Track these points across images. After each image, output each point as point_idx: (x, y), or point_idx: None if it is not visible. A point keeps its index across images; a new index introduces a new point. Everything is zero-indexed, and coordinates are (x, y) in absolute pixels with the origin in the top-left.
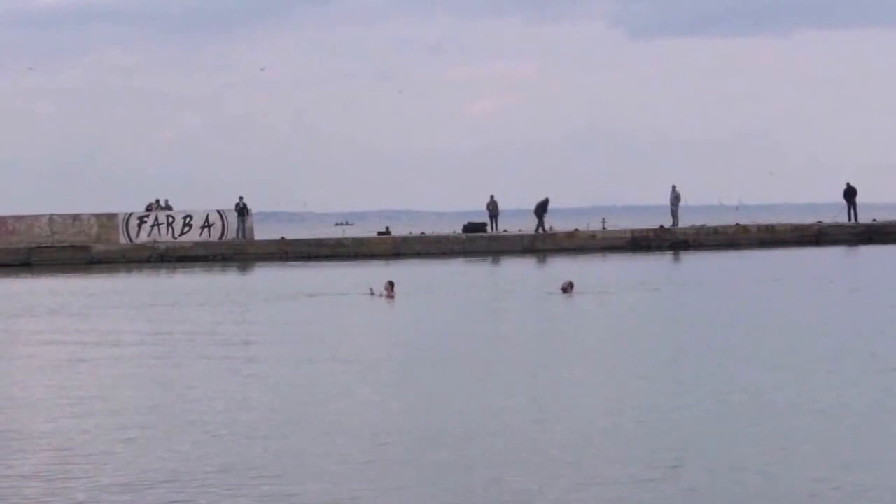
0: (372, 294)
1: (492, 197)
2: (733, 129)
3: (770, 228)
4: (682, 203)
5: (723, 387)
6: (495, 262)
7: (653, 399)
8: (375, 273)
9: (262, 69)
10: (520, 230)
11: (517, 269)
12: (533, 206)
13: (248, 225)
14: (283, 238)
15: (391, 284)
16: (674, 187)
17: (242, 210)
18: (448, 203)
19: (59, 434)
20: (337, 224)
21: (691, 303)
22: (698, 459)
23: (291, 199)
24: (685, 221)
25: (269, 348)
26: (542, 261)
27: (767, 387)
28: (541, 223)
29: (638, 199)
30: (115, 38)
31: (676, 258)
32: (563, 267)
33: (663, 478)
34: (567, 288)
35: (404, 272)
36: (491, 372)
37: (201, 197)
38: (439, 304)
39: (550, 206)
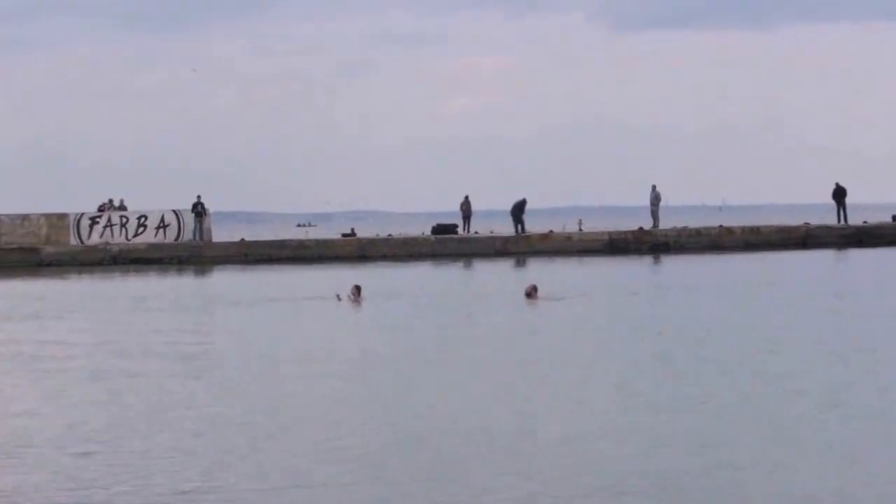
0: (339, 300)
1: (466, 197)
2: (716, 127)
3: (755, 230)
4: (662, 203)
5: (694, 396)
6: (466, 265)
7: (622, 413)
8: (340, 276)
9: (193, 70)
10: (492, 232)
11: (487, 272)
12: (509, 207)
13: (205, 226)
14: (242, 240)
15: (357, 289)
16: (654, 187)
17: (200, 210)
18: (418, 203)
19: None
20: (299, 225)
21: (668, 308)
22: (675, 472)
23: (319, 201)
24: (666, 223)
25: (227, 358)
26: (514, 264)
27: (741, 395)
28: (519, 224)
29: (617, 199)
30: (76, 31)
31: (656, 261)
32: (535, 270)
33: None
34: (531, 293)
35: (370, 276)
36: (455, 381)
37: (161, 195)
38: (407, 310)
39: (527, 206)
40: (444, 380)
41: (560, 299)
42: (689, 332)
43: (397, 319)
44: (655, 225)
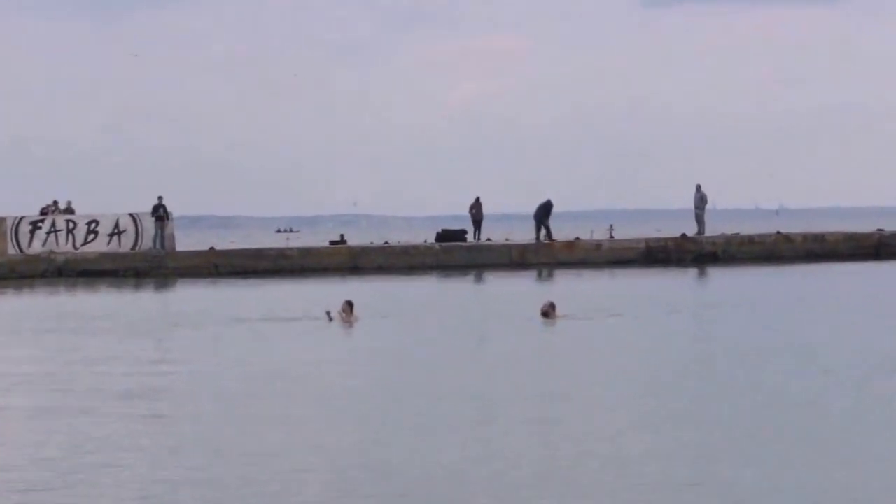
0: (330, 319)
1: (476, 199)
2: (773, 117)
3: (819, 238)
4: (709, 206)
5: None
6: (476, 278)
7: (653, 455)
8: (328, 292)
9: (135, 56)
10: (507, 239)
11: (501, 287)
12: (526, 210)
13: (167, 232)
14: (211, 248)
15: (349, 305)
16: (698, 187)
17: (161, 214)
18: (420, 206)
19: None
20: (279, 231)
21: (715, 331)
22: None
23: (303, 202)
24: (713, 229)
25: (194, 394)
26: (534, 277)
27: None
28: (544, 230)
29: (654, 201)
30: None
31: (702, 274)
32: (558, 285)
33: None
34: (548, 311)
35: (363, 291)
36: (462, 418)
37: (116, 197)
38: (405, 332)
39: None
40: (446, 421)
41: (584, 319)
42: (740, 360)
43: (394, 344)
44: (701, 231)
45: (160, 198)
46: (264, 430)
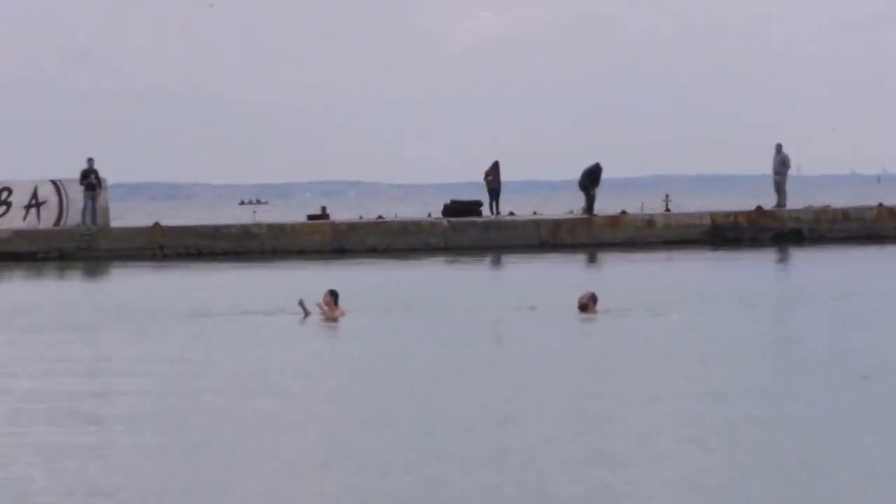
0: (305, 313)
1: (494, 163)
2: (872, 65)
3: None
4: (791, 171)
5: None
6: (494, 262)
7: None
8: (305, 279)
9: (210, 5)
10: (535, 213)
11: (526, 273)
12: (560, 176)
13: (100, 204)
14: (156, 225)
15: (333, 296)
16: (779, 147)
17: (93, 181)
18: (423, 171)
19: None
20: (243, 203)
21: (801, 329)
22: None
23: (275, 167)
24: (797, 200)
25: (135, 407)
26: (566, 261)
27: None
28: (590, 201)
29: (723, 165)
30: None
31: (783, 257)
32: (603, 271)
33: None
34: (587, 304)
35: (351, 278)
36: (480, 442)
37: (34, 161)
38: (402, 331)
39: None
40: (449, 460)
41: (630, 315)
42: (836, 367)
43: (387, 347)
44: (781, 203)
45: (91, 160)
46: (212, 470)
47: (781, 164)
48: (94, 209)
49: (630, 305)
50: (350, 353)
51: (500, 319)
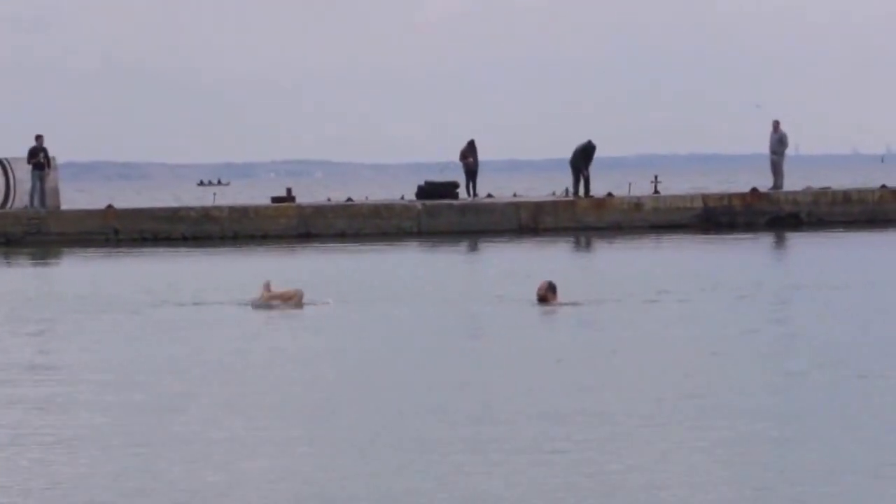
0: (254, 304)
1: (470, 142)
2: (876, 34)
3: None
4: (789, 150)
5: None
6: (471, 248)
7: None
8: (269, 267)
9: None
10: (515, 195)
11: (501, 260)
12: (535, 156)
13: (49, 185)
14: (109, 207)
15: (264, 287)
16: (776, 125)
17: (41, 159)
18: (395, 150)
19: None
20: (202, 184)
21: (798, 322)
22: None
23: (288, 142)
24: (794, 181)
25: (83, 402)
26: (548, 246)
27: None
28: (582, 181)
29: (712, 144)
30: None
31: (779, 242)
32: (578, 258)
33: None
34: (546, 295)
35: (316, 265)
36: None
37: None
38: (364, 324)
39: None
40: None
41: (600, 306)
42: (835, 367)
43: (343, 339)
44: (778, 185)
45: (39, 138)
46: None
47: (779, 142)
48: (42, 190)
49: (604, 295)
50: (295, 349)
51: (464, 312)
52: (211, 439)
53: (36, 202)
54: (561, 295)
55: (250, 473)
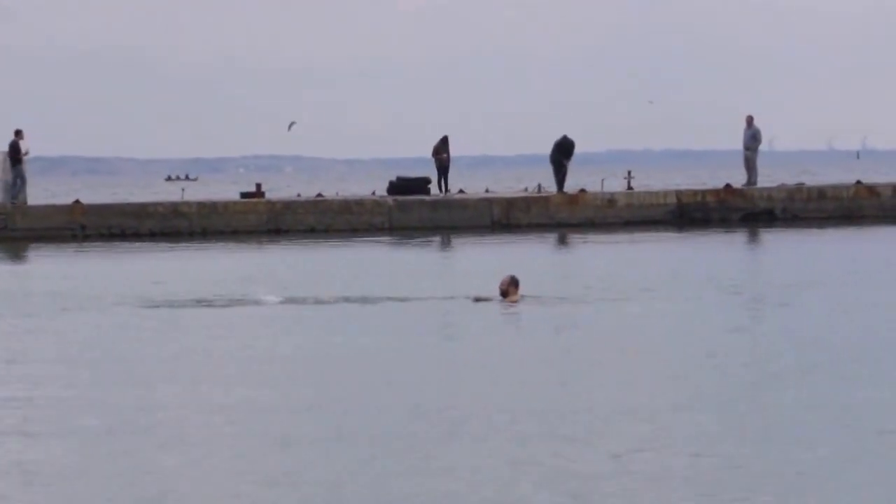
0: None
1: (443, 139)
2: (854, 34)
3: None
4: (763, 147)
5: None
6: (443, 244)
7: None
8: (238, 262)
9: None
10: (487, 191)
11: (469, 257)
12: (508, 152)
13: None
14: (76, 202)
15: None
16: (749, 120)
17: (17, 152)
18: (366, 145)
19: None
20: (170, 179)
21: (768, 322)
22: None
23: (258, 136)
24: (770, 177)
25: (46, 406)
26: (520, 242)
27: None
28: (559, 177)
29: (687, 140)
30: None
31: (753, 239)
32: (548, 254)
33: None
34: (507, 290)
35: (285, 262)
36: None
37: None
38: (329, 320)
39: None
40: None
41: (556, 302)
42: (808, 369)
43: (306, 337)
44: (752, 181)
45: (19, 132)
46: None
47: (752, 138)
48: (18, 185)
49: (566, 291)
50: (274, 346)
51: (432, 310)
52: (183, 440)
53: (10, 197)
54: (523, 289)
55: (221, 474)
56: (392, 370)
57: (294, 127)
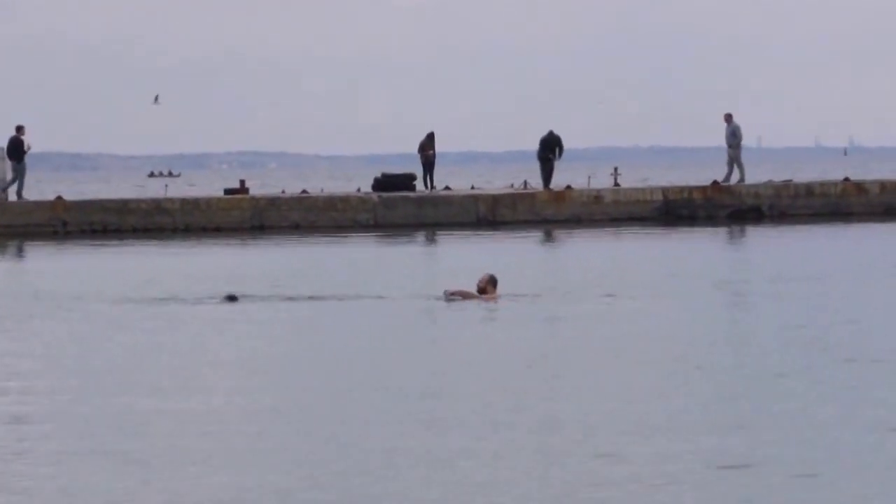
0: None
1: (429, 135)
2: (841, 30)
3: None
4: (752, 143)
5: None
6: (428, 240)
7: None
8: (221, 260)
9: None
10: (473, 188)
11: (455, 254)
12: (496, 148)
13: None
14: (59, 198)
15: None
16: (729, 118)
17: (20, 148)
18: (352, 142)
19: None
20: (152, 175)
21: (757, 318)
22: None
23: (242, 132)
24: (756, 174)
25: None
26: (505, 239)
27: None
28: (546, 173)
29: (674, 137)
30: None
31: (740, 236)
32: (533, 252)
33: None
34: (486, 288)
35: (269, 258)
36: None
37: None
38: (312, 318)
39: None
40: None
41: (535, 299)
42: (793, 369)
43: (285, 335)
44: (734, 177)
45: (20, 129)
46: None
47: (732, 135)
48: (20, 182)
49: (541, 290)
50: (252, 347)
51: (415, 308)
52: (159, 446)
53: (23, 194)
54: (501, 288)
55: (195, 481)
56: (339, 372)
57: (159, 98)
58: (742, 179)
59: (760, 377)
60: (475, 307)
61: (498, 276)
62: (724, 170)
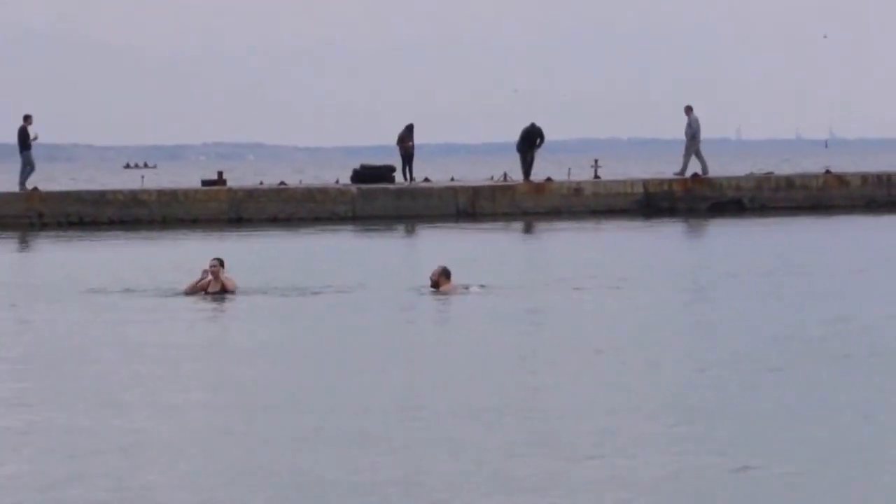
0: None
1: (408, 127)
2: (824, 20)
3: (882, 180)
4: (730, 136)
5: None
6: (407, 232)
7: None
8: (199, 252)
9: None
10: (452, 179)
11: (430, 246)
12: (477, 140)
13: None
14: (35, 189)
15: (216, 267)
16: (689, 110)
17: (26, 138)
18: (329, 133)
19: None
20: (128, 167)
21: (730, 312)
22: None
23: (220, 124)
24: (739, 166)
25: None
26: (485, 231)
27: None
28: (526, 165)
29: (654, 129)
30: None
31: (721, 228)
32: (511, 243)
33: None
34: (438, 281)
35: (247, 251)
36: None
37: None
38: (290, 311)
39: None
40: None
41: (496, 291)
42: (762, 363)
43: (267, 331)
44: (685, 170)
45: (28, 118)
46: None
47: (690, 126)
48: (25, 170)
49: (517, 282)
50: (233, 338)
51: (394, 300)
52: (144, 436)
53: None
54: (454, 280)
55: (182, 472)
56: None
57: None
58: (681, 173)
59: (713, 368)
60: (430, 299)
61: (451, 269)
62: (695, 163)
